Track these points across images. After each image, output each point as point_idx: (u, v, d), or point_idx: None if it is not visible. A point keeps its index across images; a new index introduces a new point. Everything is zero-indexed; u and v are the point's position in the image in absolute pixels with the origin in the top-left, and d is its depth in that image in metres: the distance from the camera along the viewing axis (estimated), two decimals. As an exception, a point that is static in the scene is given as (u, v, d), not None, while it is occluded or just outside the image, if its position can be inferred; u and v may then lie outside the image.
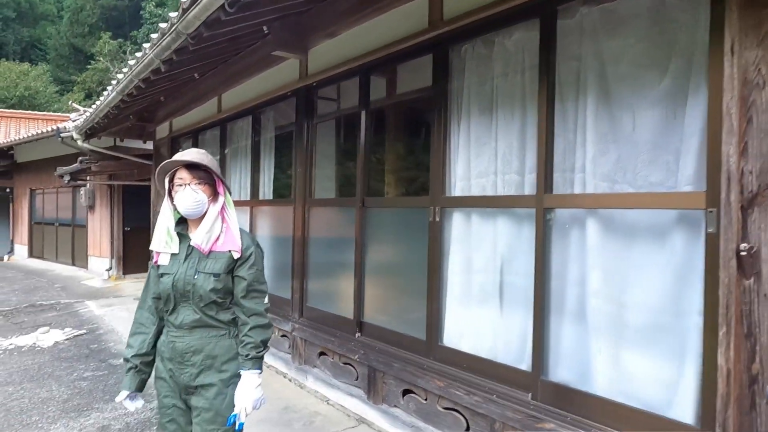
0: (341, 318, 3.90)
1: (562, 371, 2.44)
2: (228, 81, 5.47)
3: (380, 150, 3.83)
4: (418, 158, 4.00)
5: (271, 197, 5.12)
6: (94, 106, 6.62)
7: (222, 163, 6.09)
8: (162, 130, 7.97)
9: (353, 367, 3.72)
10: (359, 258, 3.72)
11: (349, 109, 4.07)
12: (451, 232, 3.07)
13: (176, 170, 1.97)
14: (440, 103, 3.10)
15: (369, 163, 3.73)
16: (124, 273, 10.61)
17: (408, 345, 3.29)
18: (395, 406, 3.34)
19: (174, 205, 1.97)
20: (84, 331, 6.20)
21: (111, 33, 30.83)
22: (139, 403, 2.09)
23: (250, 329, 1.93)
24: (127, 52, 28.84)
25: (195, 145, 6.84)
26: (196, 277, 1.93)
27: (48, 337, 5.86)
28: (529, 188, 2.67)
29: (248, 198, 5.37)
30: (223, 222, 1.97)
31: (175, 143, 7.54)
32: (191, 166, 1.95)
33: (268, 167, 5.15)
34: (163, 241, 2.01)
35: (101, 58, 28.96)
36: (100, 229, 10.88)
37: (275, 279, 4.78)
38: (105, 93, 5.83)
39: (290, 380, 4.34)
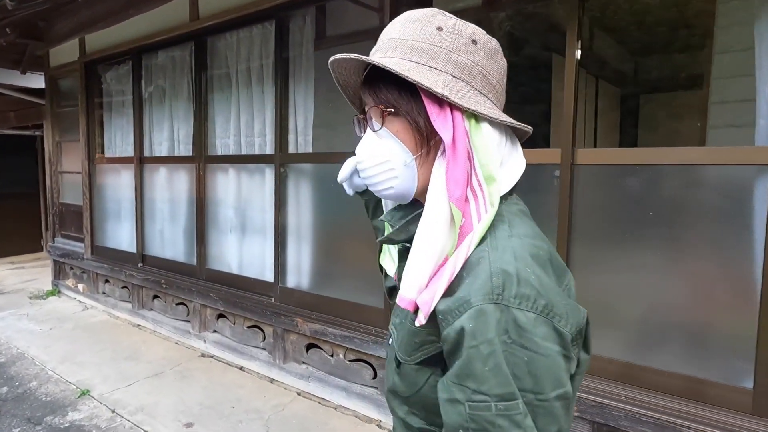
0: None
1: None
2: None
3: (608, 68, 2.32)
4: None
5: (310, 149, 3.37)
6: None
7: (199, 101, 4.06)
8: (64, 53, 5.41)
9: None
10: (565, 248, 2.27)
11: None
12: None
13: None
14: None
15: (581, 91, 2.24)
16: (-7, 257, 7.76)
17: (701, 394, 1.99)
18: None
19: None
20: (-30, 361, 3.92)
21: None
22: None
23: None
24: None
25: (136, 74, 4.60)
26: (390, 342, 0.87)
27: None
28: None
29: (272, 151, 3.51)
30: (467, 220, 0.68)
31: (91, 72, 5.14)
32: (371, 77, 0.76)
33: (304, 100, 3.35)
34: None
35: None
36: (-52, 198, 7.78)
37: (353, 274, 3.14)
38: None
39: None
